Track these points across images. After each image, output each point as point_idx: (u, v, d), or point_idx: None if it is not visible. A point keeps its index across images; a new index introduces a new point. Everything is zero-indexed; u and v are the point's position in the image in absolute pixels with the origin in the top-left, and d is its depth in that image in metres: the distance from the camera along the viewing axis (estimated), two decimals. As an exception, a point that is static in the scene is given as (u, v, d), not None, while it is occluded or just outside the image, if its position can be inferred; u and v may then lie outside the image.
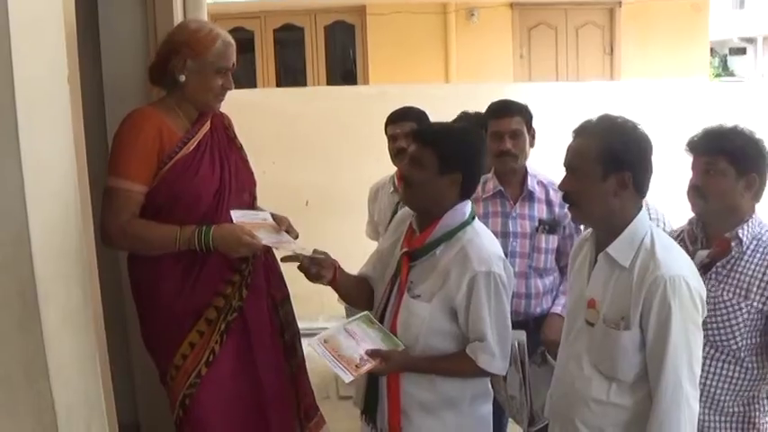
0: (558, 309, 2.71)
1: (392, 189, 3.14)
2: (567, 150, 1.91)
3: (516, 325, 2.24)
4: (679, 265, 1.81)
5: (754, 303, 2.03)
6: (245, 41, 8.74)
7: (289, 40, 9.40)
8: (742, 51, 23.95)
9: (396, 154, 3.06)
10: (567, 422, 1.95)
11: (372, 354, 1.99)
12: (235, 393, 2.26)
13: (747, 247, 2.07)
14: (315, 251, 2.15)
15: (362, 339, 2.03)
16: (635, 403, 1.83)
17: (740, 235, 2.07)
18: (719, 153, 2.07)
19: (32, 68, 1.52)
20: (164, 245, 2.15)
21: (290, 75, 9.48)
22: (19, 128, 1.44)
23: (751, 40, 23.26)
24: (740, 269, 2.07)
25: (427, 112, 3.10)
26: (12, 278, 1.47)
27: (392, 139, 3.09)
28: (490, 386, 2.20)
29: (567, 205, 2.01)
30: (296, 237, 2.33)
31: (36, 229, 1.49)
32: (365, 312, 2.13)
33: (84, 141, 1.99)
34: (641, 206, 1.90)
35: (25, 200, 1.46)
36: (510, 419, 2.67)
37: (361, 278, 2.30)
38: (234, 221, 2.17)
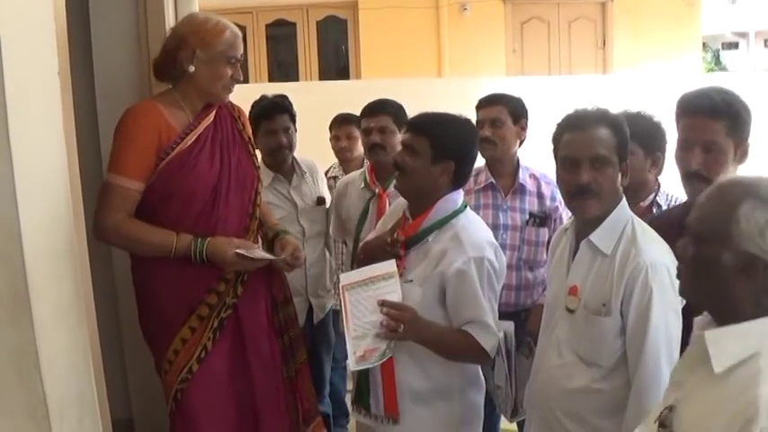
0: (543, 299, 2.71)
1: (363, 185, 2.92)
2: (585, 141, 1.85)
3: (507, 317, 2.25)
4: (660, 253, 1.83)
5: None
6: (237, 37, 8.71)
7: (281, 35, 9.38)
8: (734, 46, 23.99)
9: (369, 148, 2.89)
10: (545, 410, 1.95)
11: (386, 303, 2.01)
12: (227, 392, 2.25)
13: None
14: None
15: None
16: (614, 389, 1.84)
17: (660, 201, 2.33)
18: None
19: (22, 63, 1.51)
20: (158, 251, 2.14)
21: (283, 70, 9.46)
22: (9, 123, 1.44)
23: (743, 35, 23.31)
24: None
25: (420, 108, 3.08)
26: (2, 273, 1.47)
27: (366, 132, 2.90)
28: (482, 376, 2.21)
29: (559, 199, 2.01)
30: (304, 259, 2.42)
31: (27, 224, 1.49)
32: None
33: (76, 137, 1.99)
34: (623, 194, 1.92)
35: (16, 195, 1.46)
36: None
37: None
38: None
